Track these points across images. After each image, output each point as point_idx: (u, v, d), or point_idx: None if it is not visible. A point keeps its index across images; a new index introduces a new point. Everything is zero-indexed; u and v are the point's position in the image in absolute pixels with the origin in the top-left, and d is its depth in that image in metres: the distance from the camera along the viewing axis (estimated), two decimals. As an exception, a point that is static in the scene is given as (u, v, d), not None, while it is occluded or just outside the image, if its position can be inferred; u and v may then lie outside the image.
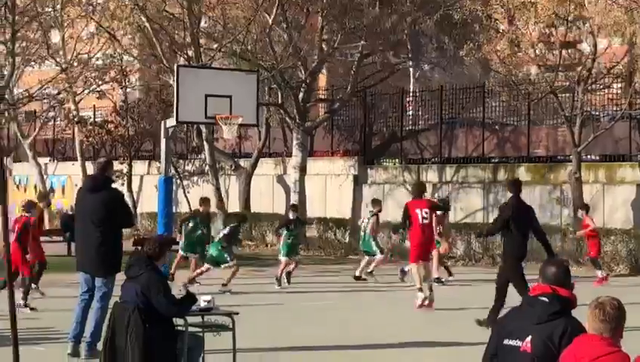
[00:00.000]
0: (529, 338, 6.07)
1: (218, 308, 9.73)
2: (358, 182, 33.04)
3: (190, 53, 29.60)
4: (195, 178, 37.57)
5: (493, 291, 14.78)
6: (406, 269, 20.07)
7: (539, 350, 6.01)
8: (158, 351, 8.70)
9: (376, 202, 23.45)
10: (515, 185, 15.83)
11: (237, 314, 9.80)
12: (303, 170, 32.37)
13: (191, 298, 9.22)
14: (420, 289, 16.94)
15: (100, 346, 11.57)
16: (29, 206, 17.70)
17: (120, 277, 12.81)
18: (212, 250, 20.06)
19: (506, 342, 6.20)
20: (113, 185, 12.40)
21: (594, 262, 22.34)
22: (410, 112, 35.64)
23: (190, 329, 9.27)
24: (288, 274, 20.74)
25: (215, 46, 31.44)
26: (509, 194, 28.69)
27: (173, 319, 9.05)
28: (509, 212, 15.15)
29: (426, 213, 17.29)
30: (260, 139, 35.72)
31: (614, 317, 5.66)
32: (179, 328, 9.12)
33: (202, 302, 9.49)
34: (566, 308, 6.15)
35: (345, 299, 18.88)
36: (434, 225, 18.52)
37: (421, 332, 14.56)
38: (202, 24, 32.11)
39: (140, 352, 8.55)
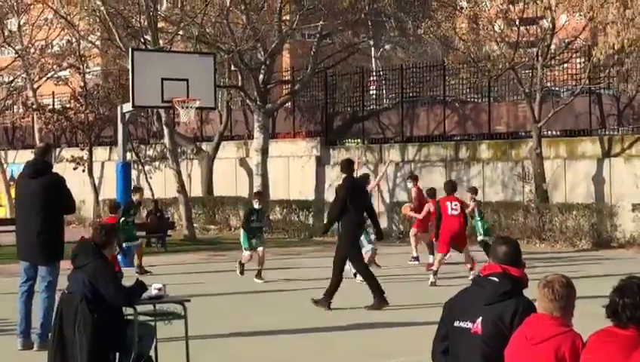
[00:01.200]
0: (479, 320, 5.93)
1: (169, 295, 9.53)
2: (321, 163, 32.90)
3: (147, 37, 29.25)
4: (157, 163, 37.30)
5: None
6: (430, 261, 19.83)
7: (489, 331, 5.88)
8: (107, 341, 8.51)
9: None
10: (347, 166, 15.58)
11: (188, 301, 9.62)
12: (265, 152, 32.17)
13: (141, 286, 9.01)
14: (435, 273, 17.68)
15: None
16: None
17: (65, 267, 12.63)
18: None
19: (456, 323, 6.07)
20: (54, 170, 12.09)
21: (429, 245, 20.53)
22: (372, 92, 35.52)
23: (141, 317, 9.08)
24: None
25: (173, 29, 31.09)
26: (471, 171, 28.93)
27: (124, 308, 8.86)
28: (344, 193, 15.01)
29: (456, 205, 18.03)
30: (222, 123, 35.46)
31: (564, 296, 5.52)
32: (129, 317, 8.93)
33: (153, 289, 9.30)
34: (517, 288, 6.01)
35: (306, 284, 18.71)
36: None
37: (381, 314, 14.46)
38: (160, 8, 31.75)
39: (89, 343, 8.35)
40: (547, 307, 5.52)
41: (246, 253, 18.87)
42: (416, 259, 21.27)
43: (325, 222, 16.81)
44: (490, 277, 6.04)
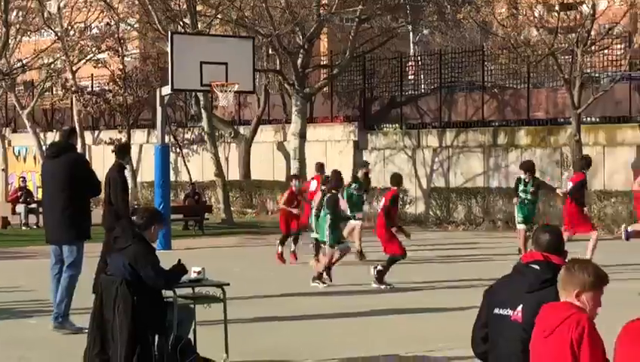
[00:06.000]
0: (520, 307, 5.90)
1: (208, 279, 9.57)
2: (359, 147, 32.89)
3: (186, 20, 29.33)
4: (195, 146, 37.46)
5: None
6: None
7: (530, 319, 5.84)
8: (147, 324, 8.56)
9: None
10: (120, 151, 14.51)
11: (228, 284, 9.65)
12: (302, 136, 32.20)
13: (180, 269, 9.06)
14: None
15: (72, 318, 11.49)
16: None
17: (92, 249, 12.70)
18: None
19: (496, 311, 6.04)
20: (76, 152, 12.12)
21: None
22: (410, 77, 35.41)
23: (180, 301, 9.13)
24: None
25: (212, 13, 31.14)
26: (510, 158, 28.78)
27: (163, 291, 8.91)
28: (106, 182, 13.74)
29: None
30: (259, 106, 35.53)
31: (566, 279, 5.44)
32: (169, 300, 8.99)
33: (192, 273, 9.35)
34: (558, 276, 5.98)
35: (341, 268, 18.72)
36: None
37: (416, 299, 14.46)
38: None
39: (128, 325, 8.41)
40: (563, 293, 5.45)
41: (331, 251, 16.19)
42: None
43: None
44: (532, 265, 6.01)
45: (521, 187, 19.29)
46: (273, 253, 19.32)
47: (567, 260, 5.65)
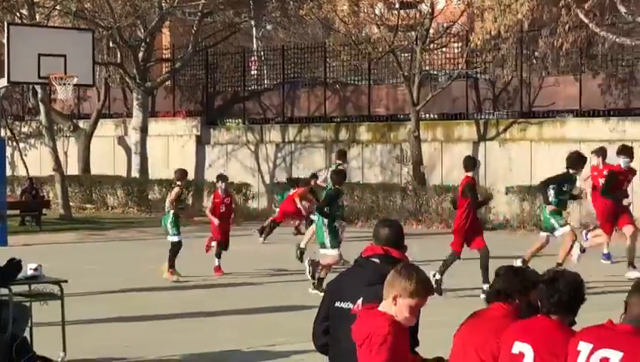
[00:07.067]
0: (360, 301, 5.94)
1: (45, 276, 9.35)
2: (201, 142, 32.71)
3: (24, 11, 28.55)
4: (32, 140, 36.57)
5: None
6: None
7: (369, 312, 5.91)
8: (-20, 323, 8.30)
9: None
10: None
11: (65, 281, 9.45)
12: (144, 130, 31.85)
13: (15, 266, 8.81)
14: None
15: None
16: None
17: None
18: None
19: (337, 304, 6.05)
20: None
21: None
22: (253, 72, 35.44)
23: (16, 298, 8.88)
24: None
25: (50, 4, 30.39)
26: (351, 153, 29.10)
27: (-2, 289, 8.67)
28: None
29: None
30: (99, 100, 34.90)
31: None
32: (3, 298, 8.73)
33: (29, 270, 9.11)
34: (397, 269, 6.04)
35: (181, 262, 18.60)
36: None
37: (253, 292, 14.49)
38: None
39: (-39, 325, 8.14)
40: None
41: (335, 252, 14.66)
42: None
43: None
44: (372, 258, 6.07)
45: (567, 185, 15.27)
46: (113, 248, 19.03)
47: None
